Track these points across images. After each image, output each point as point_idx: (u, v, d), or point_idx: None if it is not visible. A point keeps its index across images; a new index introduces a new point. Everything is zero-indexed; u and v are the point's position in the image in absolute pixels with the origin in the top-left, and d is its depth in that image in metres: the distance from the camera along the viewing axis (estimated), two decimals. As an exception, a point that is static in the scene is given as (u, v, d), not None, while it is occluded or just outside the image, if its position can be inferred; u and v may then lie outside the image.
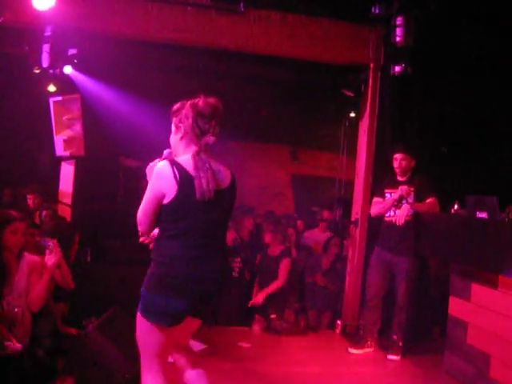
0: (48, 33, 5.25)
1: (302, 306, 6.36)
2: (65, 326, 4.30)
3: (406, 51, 5.58)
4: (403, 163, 5.31)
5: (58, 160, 6.56)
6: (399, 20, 5.52)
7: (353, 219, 6.30)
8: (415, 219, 5.15)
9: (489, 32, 5.62)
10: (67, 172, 6.52)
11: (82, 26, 5.29)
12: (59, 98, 6.28)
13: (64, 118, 6.28)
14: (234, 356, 4.97)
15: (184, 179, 2.67)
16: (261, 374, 4.58)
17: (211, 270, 2.77)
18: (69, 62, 5.91)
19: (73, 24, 5.23)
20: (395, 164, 5.36)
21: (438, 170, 6.30)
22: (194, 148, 2.76)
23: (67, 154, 6.34)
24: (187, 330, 2.99)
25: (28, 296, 3.85)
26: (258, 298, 6.14)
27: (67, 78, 6.07)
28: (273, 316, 5.99)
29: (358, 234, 6.12)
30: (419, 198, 5.19)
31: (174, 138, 2.86)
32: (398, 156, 5.35)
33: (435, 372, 4.94)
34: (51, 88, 6.29)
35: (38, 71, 5.70)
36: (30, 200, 6.83)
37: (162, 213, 2.72)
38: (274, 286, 6.16)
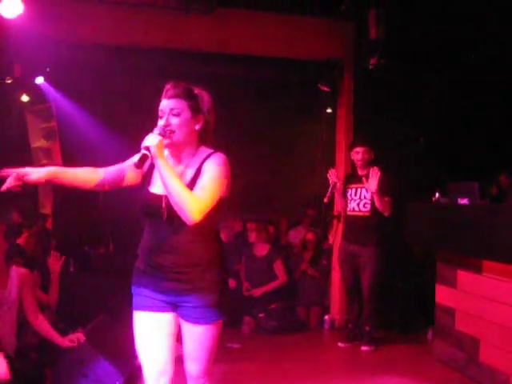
0: (19, 42, 5.17)
1: (291, 304, 6.36)
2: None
3: (379, 44, 5.60)
4: (365, 156, 5.36)
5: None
6: (371, 13, 5.55)
7: (335, 213, 6.32)
8: (378, 212, 5.21)
9: (462, 22, 5.67)
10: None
11: (50, 35, 5.22)
12: (34, 108, 6.23)
13: (40, 127, 6.22)
14: (225, 358, 4.94)
15: None
16: (252, 374, 4.57)
17: None
18: (41, 71, 5.86)
19: (41, 32, 5.16)
20: (357, 157, 5.39)
21: (416, 160, 6.34)
22: (210, 145, 2.63)
23: (44, 163, 6.28)
24: None
25: (26, 309, 3.86)
26: (257, 291, 6.21)
27: (40, 87, 6.02)
28: (261, 315, 5.98)
29: (340, 228, 6.13)
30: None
31: (189, 125, 2.53)
32: (359, 149, 5.39)
33: (426, 360, 4.98)
34: (24, 98, 6.22)
35: (9, 81, 5.62)
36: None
37: (219, 209, 2.52)
38: (275, 284, 6.24)
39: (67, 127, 6.32)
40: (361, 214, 5.33)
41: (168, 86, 2.53)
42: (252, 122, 8.73)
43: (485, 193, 4.77)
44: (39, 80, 5.92)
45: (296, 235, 7.55)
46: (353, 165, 5.66)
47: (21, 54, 5.29)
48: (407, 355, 5.16)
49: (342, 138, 6.26)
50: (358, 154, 5.38)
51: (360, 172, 5.42)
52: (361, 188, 5.34)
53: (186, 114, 2.50)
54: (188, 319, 2.57)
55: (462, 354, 4.59)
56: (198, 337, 2.59)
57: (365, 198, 5.30)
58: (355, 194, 5.38)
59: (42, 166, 6.25)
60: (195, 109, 2.52)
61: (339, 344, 5.44)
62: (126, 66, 5.92)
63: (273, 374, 4.53)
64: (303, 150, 9.13)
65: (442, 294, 4.92)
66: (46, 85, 6.07)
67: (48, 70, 5.81)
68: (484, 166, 5.90)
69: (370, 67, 5.74)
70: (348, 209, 5.43)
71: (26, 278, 3.92)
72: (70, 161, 6.33)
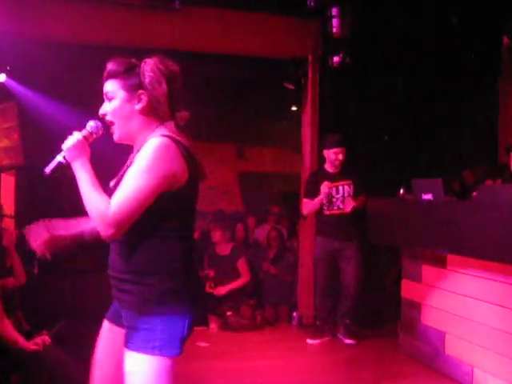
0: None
1: (258, 302, 6.36)
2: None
3: (343, 42, 5.65)
4: (343, 157, 5.40)
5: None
6: (334, 11, 5.58)
7: (301, 212, 6.34)
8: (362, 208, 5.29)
9: (426, 20, 5.76)
10: (8, 183, 6.31)
11: (14, 31, 5.11)
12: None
13: (3, 127, 6.07)
14: (193, 356, 4.91)
15: (189, 158, 2.05)
16: (221, 372, 4.56)
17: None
18: (2, 69, 5.73)
19: (4, 28, 5.05)
20: (336, 157, 5.38)
21: (380, 157, 6.43)
22: (170, 123, 2.12)
23: (6, 164, 6.14)
24: None
25: None
26: (221, 290, 6.13)
27: (2, 85, 5.89)
28: (229, 313, 5.97)
29: (306, 226, 6.16)
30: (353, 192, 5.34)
31: (126, 108, 2.09)
32: (338, 150, 5.38)
33: (394, 354, 5.04)
34: (-15, 97, 6.08)
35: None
36: None
37: (166, 206, 2.01)
38: (238, 283, 6.18)
39: (33, 124, 6.19)
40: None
41: (105, 66, 2.14)
42: (217, 120, 8.72)
43: (448, 189, 4.85)
44: (1, 78, 5.78)
45: (262, 233, 7.57)
46: (320, 162, 5.68)
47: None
48: (376, 350, 5.21)
49: (307, 135, 6.28)
50: (338, 154, 5.38)
51: (332, 170, 5.45)
52: (342, 185, 5.37)
53: (120, 95, 2.09)
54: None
55: (428, 348, 4.67)
56: (125, 366, 2.05)
57: (348, 194, 5.35)
58: (337, 192, 5.39)
59: (4, 166, 6.17)
60: (132, 86, 2.08)
61: (308, 340, 5.47)
62: (92, 63, 5.83)
63: (242, 372, 4.53)
64: (270, 148, 9.19)
65: (408, 289, 4.99)
66: (10, 82, 5.92)
67: (8, 68, 5.69)
68: (447, 162, 6.01)
69: (335, 65, 5.78)
70: (331, 207, 5.40)
71: None
72: (34, 159, 6.21)
